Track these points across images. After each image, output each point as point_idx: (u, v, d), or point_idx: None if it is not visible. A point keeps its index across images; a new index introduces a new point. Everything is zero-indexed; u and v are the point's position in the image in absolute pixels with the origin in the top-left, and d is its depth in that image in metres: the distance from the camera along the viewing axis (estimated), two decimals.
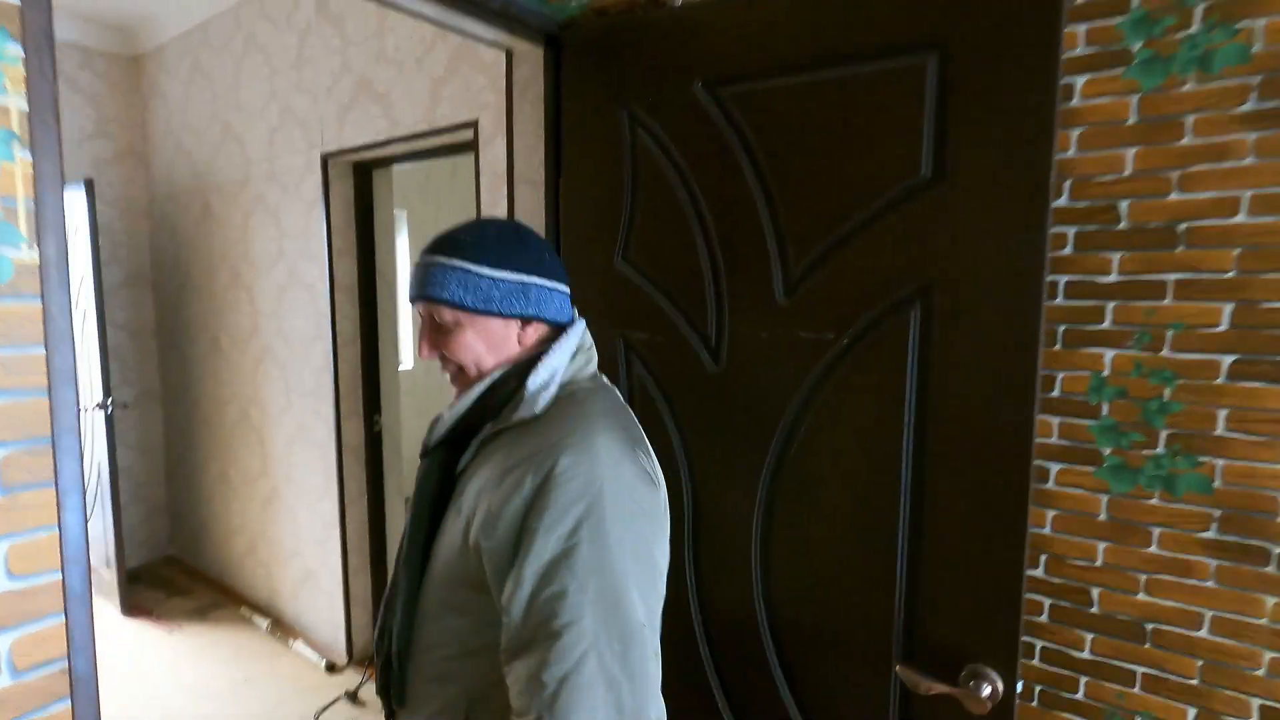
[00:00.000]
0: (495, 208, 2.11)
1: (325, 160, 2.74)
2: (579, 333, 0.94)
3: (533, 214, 1.83)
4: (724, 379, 1.32)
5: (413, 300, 0.91)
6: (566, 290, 0.96)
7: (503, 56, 1.87)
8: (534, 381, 0.88)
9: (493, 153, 2.11)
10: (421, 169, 5.22)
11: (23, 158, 0.79)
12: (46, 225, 0.75)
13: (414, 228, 5.21)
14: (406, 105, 2.40)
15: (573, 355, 0.92)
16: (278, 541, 3.24)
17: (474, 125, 2.20)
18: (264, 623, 3.28)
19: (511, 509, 0.80)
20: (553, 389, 0.88)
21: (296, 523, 3.13)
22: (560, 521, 0.77)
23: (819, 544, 1.24)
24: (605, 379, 0.99)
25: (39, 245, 0.80)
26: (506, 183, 1.88)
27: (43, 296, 0.81)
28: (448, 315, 0.89)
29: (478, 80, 2.16)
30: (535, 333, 0.93)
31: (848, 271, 1.15)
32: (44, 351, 0.83)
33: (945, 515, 1.09)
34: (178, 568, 3.91)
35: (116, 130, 3.73)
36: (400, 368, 3.10)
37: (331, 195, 2.77)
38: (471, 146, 2.23)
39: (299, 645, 3.10)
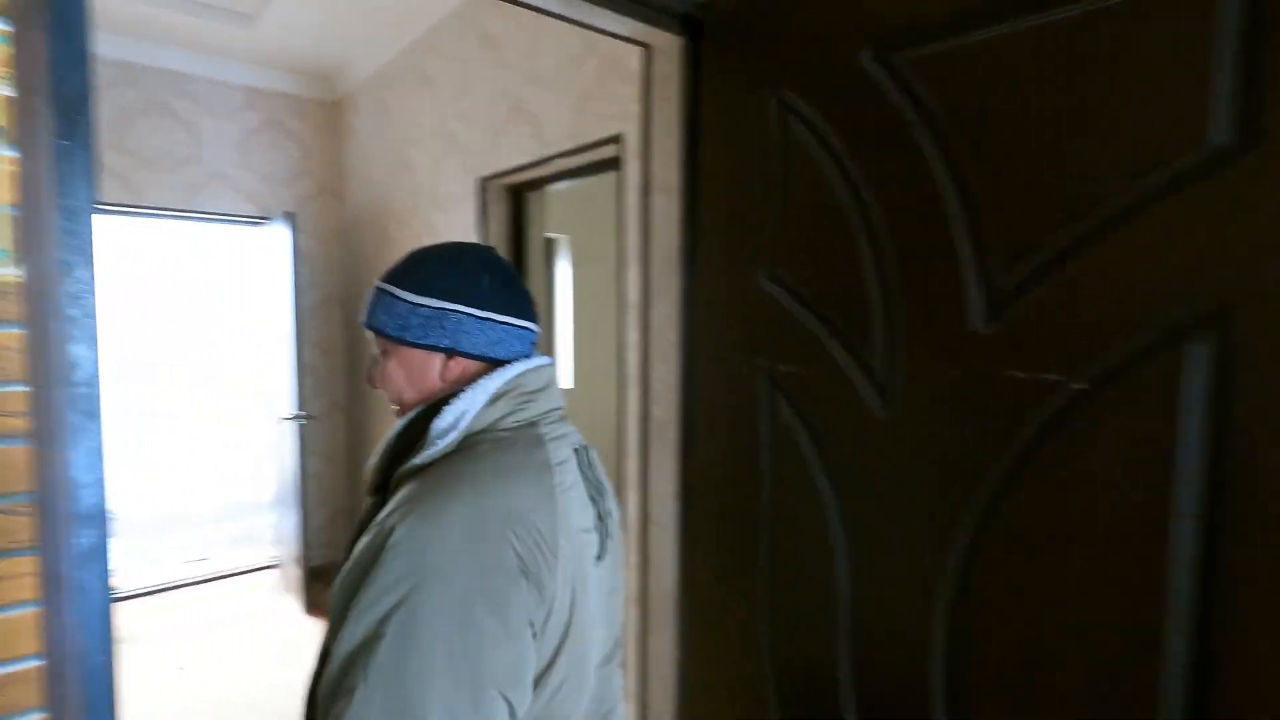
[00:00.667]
0: (636, 228, 1.95)
1: (482, 184, 2.77)
2: (509, 374, 0.81)
3: (666, 226, 1.64)
4: (896, 427, 1.02)
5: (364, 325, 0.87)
6: (511, 323, 0.83)
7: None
8: (437, 424, 0.76)
9: (637, 166, 1.96)
10: (583, 192, 5.30)
11: (5, 154, 0.66)
12: (39, 239, 0.65)
13: (578, 254, 5.28)
14: (554, 123, 2.34)
15: (492, 398, 0.78)
16: None
17: (617, 139, 2.07)
18: None
19: (357, 568, 0.69)
20: (455, 434, 0.76)
21: None
22: (375, 604, 0.65)
23: (1038, 640, 0.89)
24: (554, 432, 0.83)
25: (25, 262, 0.66)
26: (641, 192, 1.71)
27: (28, 324, 0.67)
28: (378, 343, 0.85)
29: (623, 91, 2.03)
30: (459, 368, 0.82)
31: (1086, 288, 0.81)
32: (25, 389, 0.69)
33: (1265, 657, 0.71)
34: None
35: (317, 169, 4.14)
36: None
37: (489, 217, 2.79)
38: (616, 163, 2.10)
39: None
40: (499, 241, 2.83)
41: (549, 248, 5.28)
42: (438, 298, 0.79)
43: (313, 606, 3.65)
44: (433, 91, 3.09)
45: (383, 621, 0.63)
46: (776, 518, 1.16)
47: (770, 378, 1.19)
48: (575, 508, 0.78)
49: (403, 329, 0.80)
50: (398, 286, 0.81)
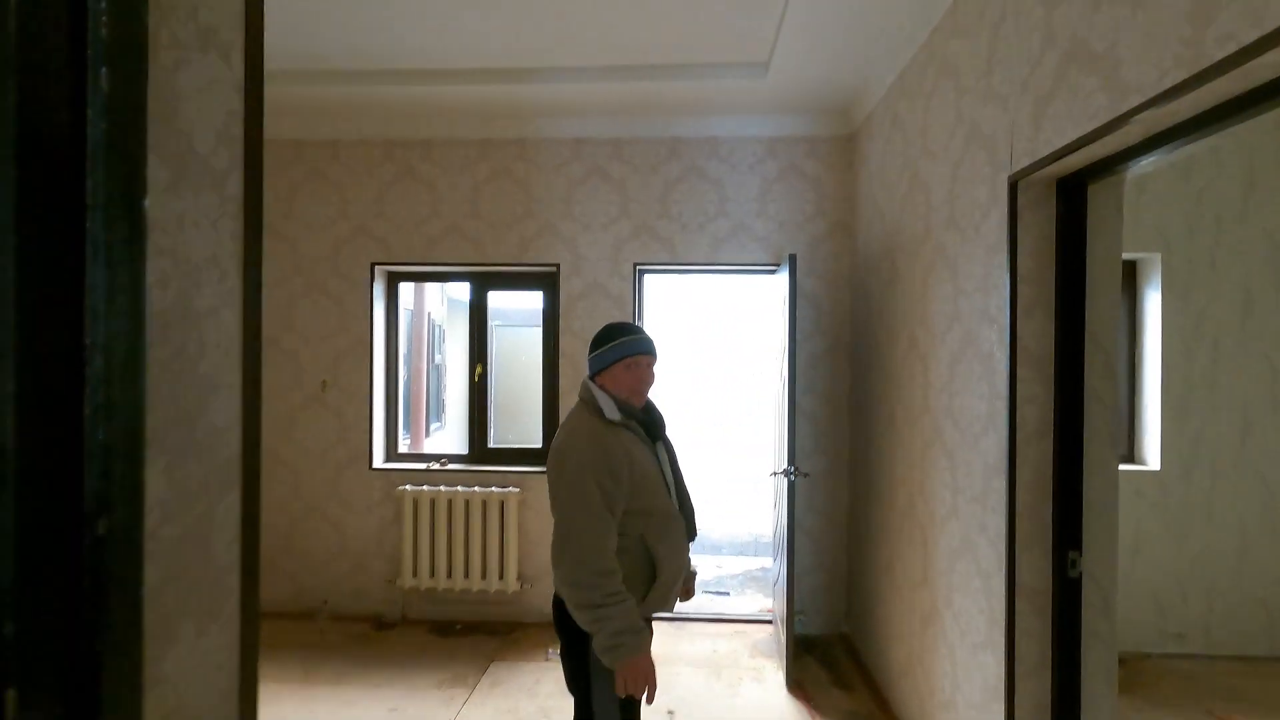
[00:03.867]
0: None
1: (1013, 184, 1.98)
2: None
3: None
4: None
5: (654, 354, 1.95)
6: None
7: None
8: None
9: None
10: (1183, 173, 3.67)
11: None
12: None
13: (1176, 276, 3.67)
14: (1145, 52, 1.43)
15: None
16: (933, 677, 2.56)
17: None
18: None
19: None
20: None
21: (954, 664, 2.38)
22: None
23: None
24: None
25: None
26: None
27: None
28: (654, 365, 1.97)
29: None
30: None
31: None
32: None
33: None
34: (847, 650, 3.69)
35: (830, 207, 3.91)
36: (1123, 472, 1.97)
37: (1020, 231, 1.98)
38: None
39: None
40: (1037, 261, 1.97)
41: (1133, 274, 3.83)
42: None
43: (795, 685, 3.29)
44: (955, 79, 2.44)
45: None
46: None
47: None
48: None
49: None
50: None
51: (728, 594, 4.87)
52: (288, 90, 3.60)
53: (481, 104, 3.73)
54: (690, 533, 1.97)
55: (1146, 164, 1.72)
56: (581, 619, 1.70)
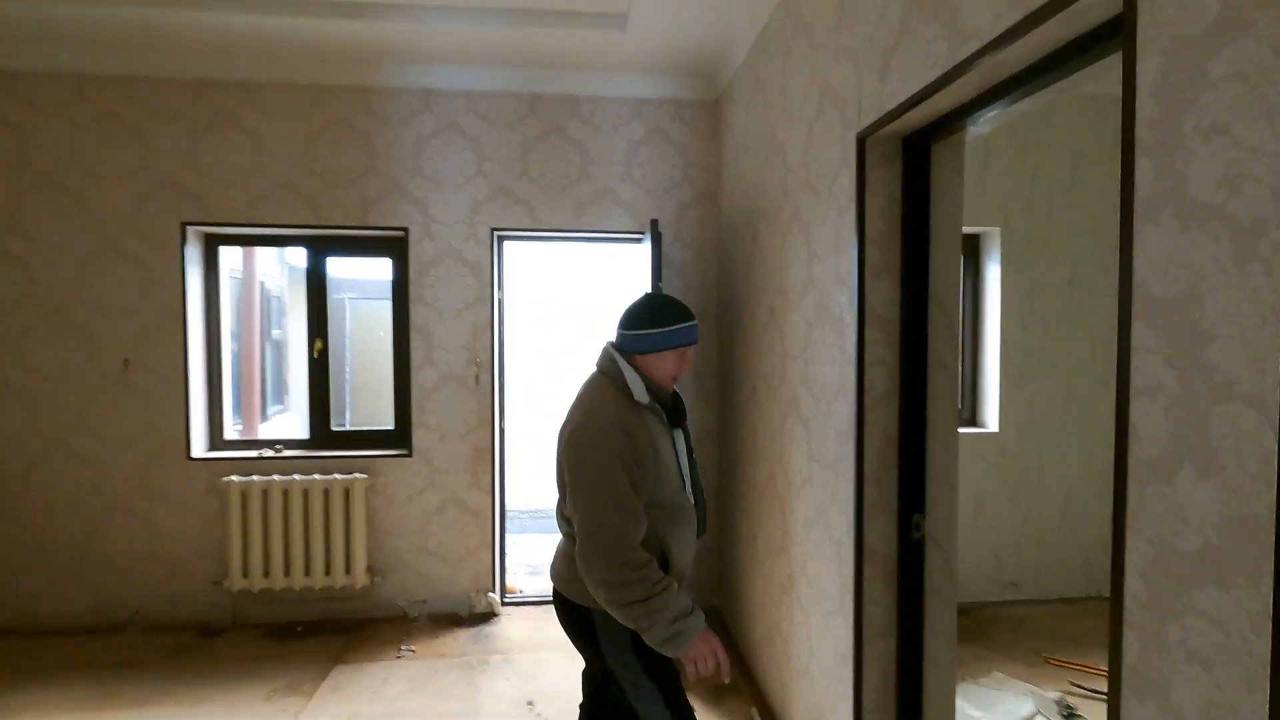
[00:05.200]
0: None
1: (861, 142, 1.92)
2: None
3: None
4: None
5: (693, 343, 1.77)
6: None
7: None
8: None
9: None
10: (1020, 151, 3.89)
11: None
12: None
13: (1013, 250, 3.90)
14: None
15: None
16: (790, 645, 2.55)
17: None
18: None
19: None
20: None
21: (809, 631, 2.37)
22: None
23: None
24: None
25: None
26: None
27: None
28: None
29: None
30: None
31: None
32: None
33: None
34: (718, 622, 3.69)
35: (697, 175, 3.81)
36: (966, 435, 2.00)
37: (868, 192, 1.93)
38: (1116, 29, 1.04)
39: None
40: (884, 222, 1.94)
41: (976, 247, 4.02)
42: None
43: None
44: (808, 34, 2.36)
45: None
46: None
47: None
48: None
49: None
50: None
51: None
52: (55, 10, 2.99)
53: (313, 42, 3.29)
54: (701, 528, 1.81)
55: (986, 121, 1.71)
56: (628, 617, 1.54)
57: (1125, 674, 1.00)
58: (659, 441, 1.65)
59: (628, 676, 1.64)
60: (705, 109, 3.80)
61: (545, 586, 4.21)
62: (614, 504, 1.52)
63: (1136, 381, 0.99)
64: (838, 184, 2.11)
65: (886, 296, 1.94)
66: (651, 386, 1.70)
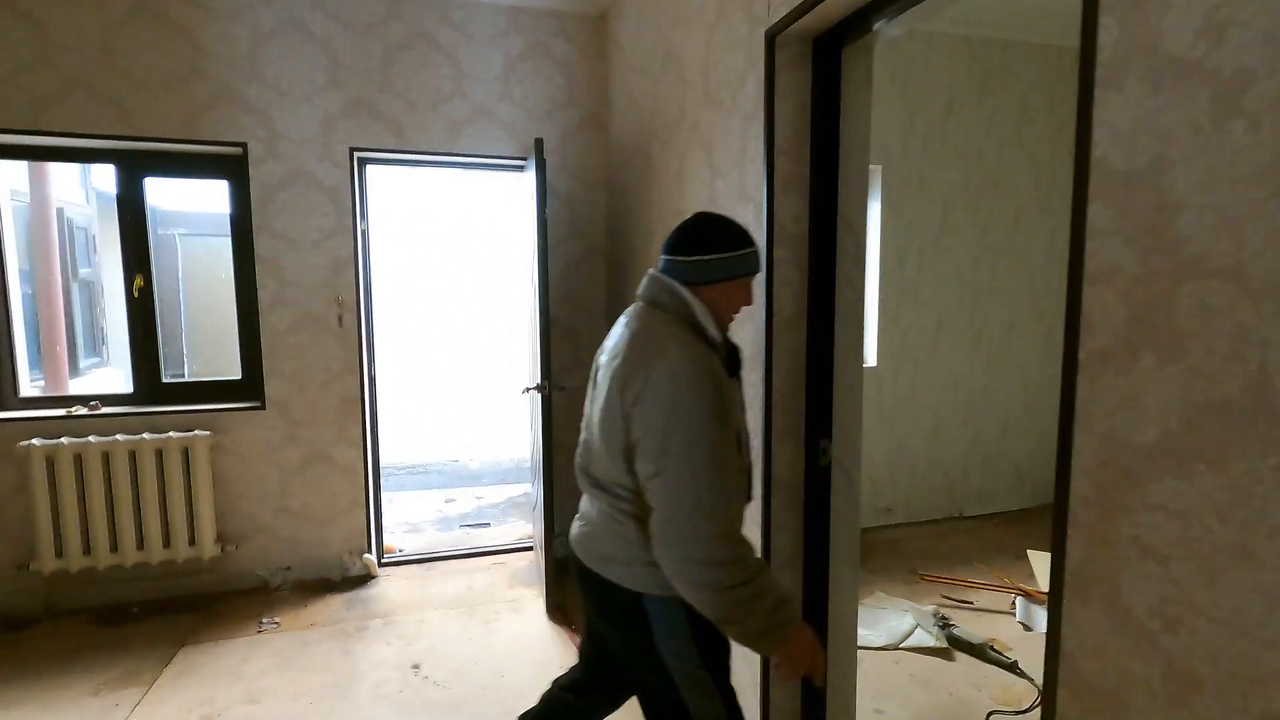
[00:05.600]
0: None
1: (770, 40, 1.77)
2: None
3: None
4: None
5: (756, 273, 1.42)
6: None
7: None
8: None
9: None
10: (901, 92, 3.94)
11: None
12: None
13: (892, 190, 3.98)
14: None
15: None
16: None
17: None
18: None
19: None
20: None
21: None
22: None
23: None
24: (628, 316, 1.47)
25: None
26: None
27: None
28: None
29: None
30: None
31: None
32: None
33: None
34: None
35: (583, 96, 3.54)
36: (866, 365, 1.95)
37: (777, 97, 1.79)
38: None
39: None
40: (795, 131, 1.81)
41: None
42: None
43: (555, 610, 3.10)
44: None
45: None
46: None
47: None
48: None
49: None
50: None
51: (488, 524, 4.56)
52: None
53: None
54: (748, 494, 1.47)
55: (897, 23, 1.61)
56: (722, 603, 1.22)
57: (1069, 578, 0.96)
58: (731, 391, 1.33)
59: (686, 670, 1.37)
60: (590, 24, 3.51)
61: (428, 543, 3.95)
62: (718, 469, 1.22)
63: (1091, 266, 0.91)
64: (743, 92, 1.95)
65: (795, 212, 1.83)
66: (717, 325, 1.38)
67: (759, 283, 1.91)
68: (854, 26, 1.67)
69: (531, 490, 3.64)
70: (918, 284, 4.09)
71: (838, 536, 1.92)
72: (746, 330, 1.99)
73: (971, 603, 3.23)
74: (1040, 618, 3.04)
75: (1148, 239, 0.84)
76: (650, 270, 1.44)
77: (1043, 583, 3.31)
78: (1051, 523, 0.97)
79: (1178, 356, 0.81)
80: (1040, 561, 3.55)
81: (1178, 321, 0.81)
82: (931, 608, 3.13)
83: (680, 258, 1.38)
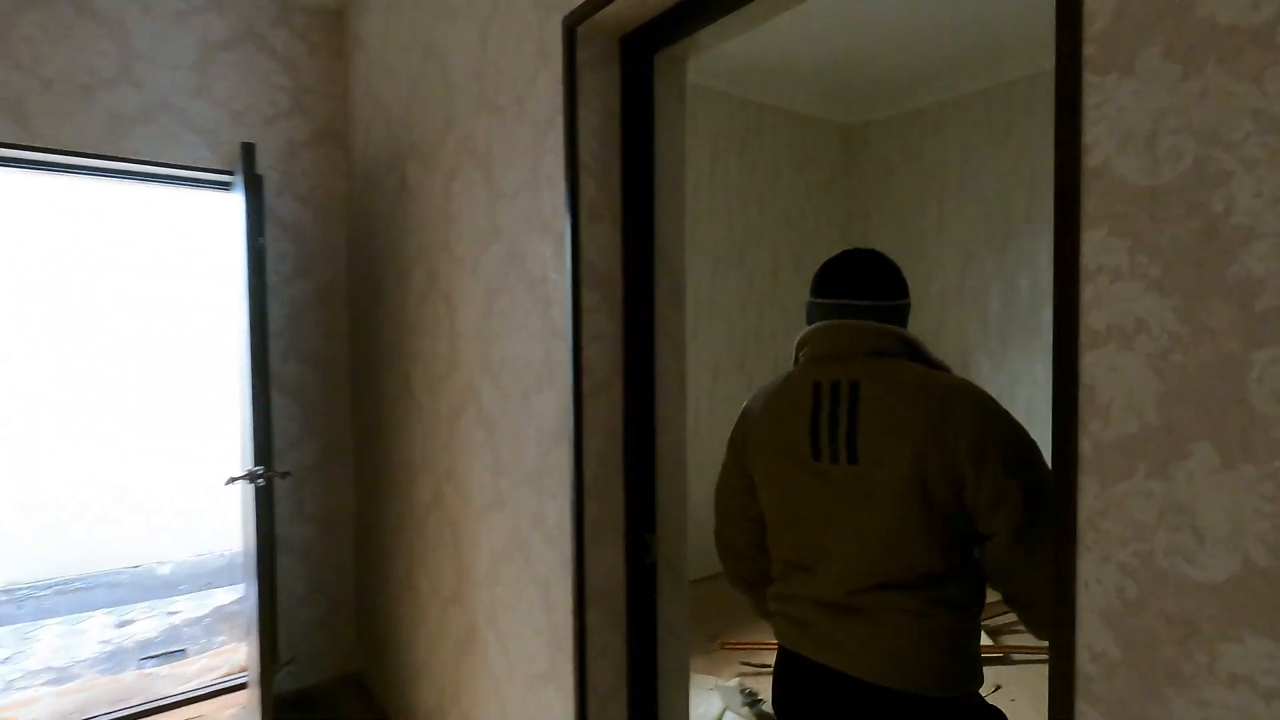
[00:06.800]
0: None
1: (570, 30, 1.39)
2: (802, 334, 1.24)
3: None
4: None
5: None
6: (811, 300, 1.24)
7: None
8: None
9: None
10: (692, 122, 3.90)
11: None
12: None
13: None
14: None
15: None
16: (476, 714, 1.92)
17: None
18: None
19: None
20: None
21: (504, 702, 1.77)
22: None
23: None
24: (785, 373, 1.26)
25: None
26: None
27: None
28: None
29: None
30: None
31: None
32: None
33: None
34: (361, 696, 2.82)
35: (315, 105, 2.85)
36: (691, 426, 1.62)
37: (581, 100, 1.41)
38: None
39: None
40: (604, 156, 1.44)
41: None
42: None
43: None
44: None
45: None
46: None
47: None
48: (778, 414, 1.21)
49: None
50: None
51: (183, 651, 3.45)
52: None
53: None
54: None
55: (714, 34, 1.35)
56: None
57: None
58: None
59: None
60: (326, 20, 2.86)
61: (80, 701, 2.75)
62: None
63: (1092, 321, 0.64)
64: (534, 94, 1.54)
65: (606, 246, 1.45)
66: None
67: (551, 333, 1.49)
68: (667, 28, 1.37)
69: (245, 596, 2.71)
70: (695, 328, 4.03)
71: (667, 656, 1.53)
72: (546, 397, 1.54)
73: (770, 666, 3.08)
74: None
75: (1192, 281, 0.58)
76: (864, 323, 1.17)
77: None
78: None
79: (1257, 453, 0.55)
80: None
81: (1253, 400, 0.55)
82: (735, 681, 2.90)
83: (886, 301, 1.19)
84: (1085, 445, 0.65)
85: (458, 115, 1.89)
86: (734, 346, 4.28)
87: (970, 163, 4.16)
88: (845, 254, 1.23)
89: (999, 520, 1.04)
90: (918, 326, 4.42)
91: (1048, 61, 3.74)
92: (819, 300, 1.21)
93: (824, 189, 4.71)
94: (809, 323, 1.22)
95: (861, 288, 1.18)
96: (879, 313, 1.17)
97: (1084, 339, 0.65)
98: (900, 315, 1.20)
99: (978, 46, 3.71)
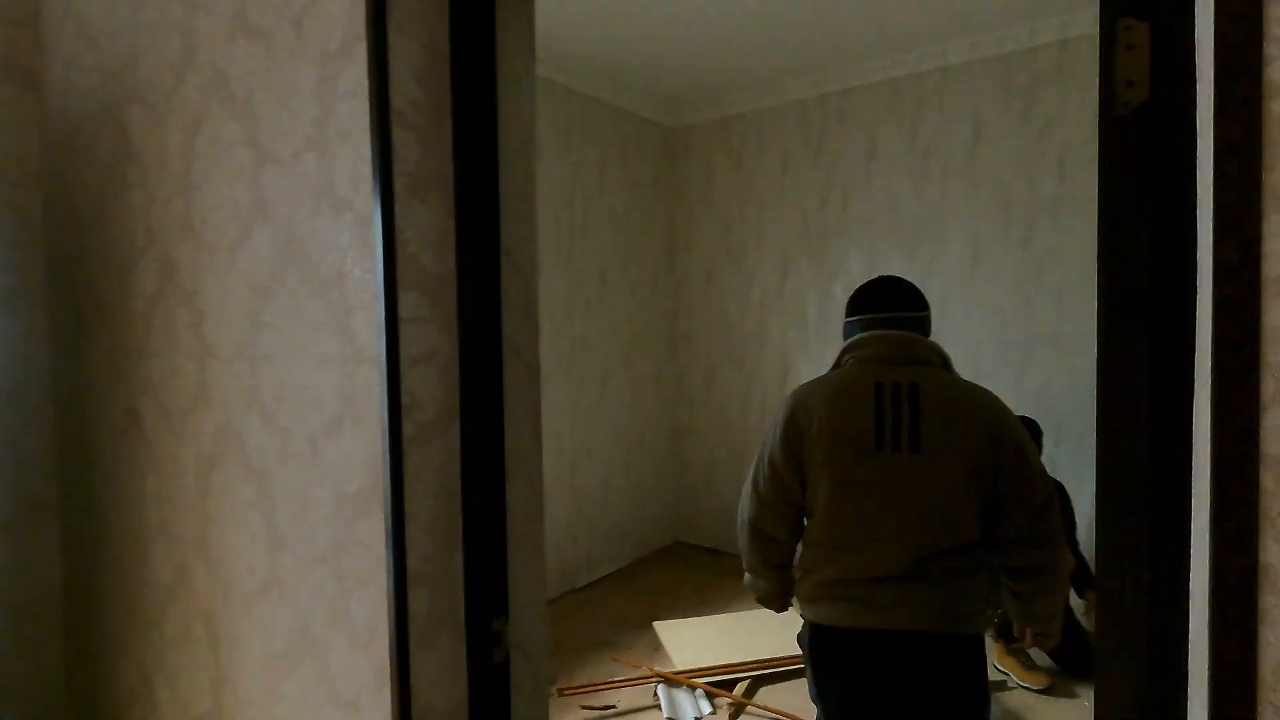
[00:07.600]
0: None
1: None
2: (845, 343, 1.55)
3: None
4: None
5: None
6: (848, 319, 1.57)
7: None
8: None
9: None
10: (571, 150, 3.52)
11: None
12: None
13: (560, 241, 3.89)
14: None
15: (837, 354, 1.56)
16: None
17: None
18: None
19: None
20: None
21: None
22: None
23: None
24: (833, 373, 1.53)
25: None
26: None
27: None
28: None
29: None
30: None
31: None
32: None
33: None
34: None
35: None
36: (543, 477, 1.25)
37: (391, 24, 0.99)
38: None
39: None
40: (430, 108, 1.03)
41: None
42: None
43: None
44: None
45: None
46: None
47: None
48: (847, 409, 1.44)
49: None
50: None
51: None
52: None
53: None
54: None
55: None
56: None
57: None
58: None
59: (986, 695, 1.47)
60: None
61: None
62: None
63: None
64: (316, 12, 1.08)
65: (434, 234, 1.04)
66: None
67: (352, 354, 1.06)
68: None
69: None
70: (586, 335, 4.26)
71: None
72: (346, 444, 1.09)
73: (614, 706, 2.80)
74: (684, 704, 2.77)
75: None
76: (901, 332, 1.49)
77: (675, 658, 3.09)
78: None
79: None
80: (669, 632, 3.36)
81: None
82: None
83: (918, 314, 1.52)
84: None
85: (202, 43, 1.34)
86: (623, 352, 4.27)
87: (788, 174, 4.24)
88: (876, 279, 1.55)
89: (1023, 502, 1.36)
90: (740, 329, 4.45)
91: (858, 78, 3.90)
92: (860, 316, 1.51)
93: (649, 189, 4.57)
94: (845, 338, 1.53)
95: (898, 301, 1.50)
96: (914, 322, 1.49)
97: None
98: (929, 322, 1.53)
99: (796, 56, 3.76)
